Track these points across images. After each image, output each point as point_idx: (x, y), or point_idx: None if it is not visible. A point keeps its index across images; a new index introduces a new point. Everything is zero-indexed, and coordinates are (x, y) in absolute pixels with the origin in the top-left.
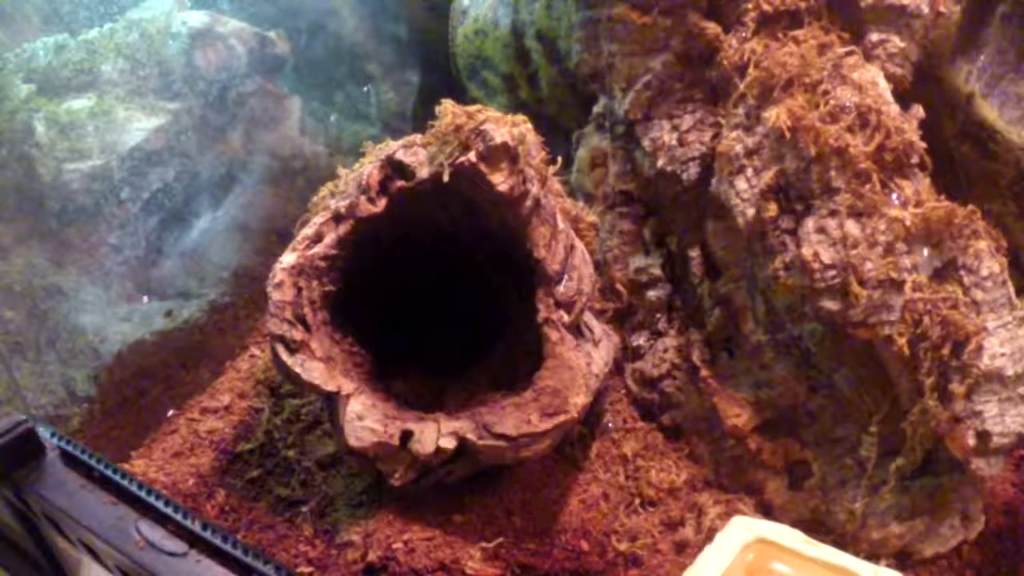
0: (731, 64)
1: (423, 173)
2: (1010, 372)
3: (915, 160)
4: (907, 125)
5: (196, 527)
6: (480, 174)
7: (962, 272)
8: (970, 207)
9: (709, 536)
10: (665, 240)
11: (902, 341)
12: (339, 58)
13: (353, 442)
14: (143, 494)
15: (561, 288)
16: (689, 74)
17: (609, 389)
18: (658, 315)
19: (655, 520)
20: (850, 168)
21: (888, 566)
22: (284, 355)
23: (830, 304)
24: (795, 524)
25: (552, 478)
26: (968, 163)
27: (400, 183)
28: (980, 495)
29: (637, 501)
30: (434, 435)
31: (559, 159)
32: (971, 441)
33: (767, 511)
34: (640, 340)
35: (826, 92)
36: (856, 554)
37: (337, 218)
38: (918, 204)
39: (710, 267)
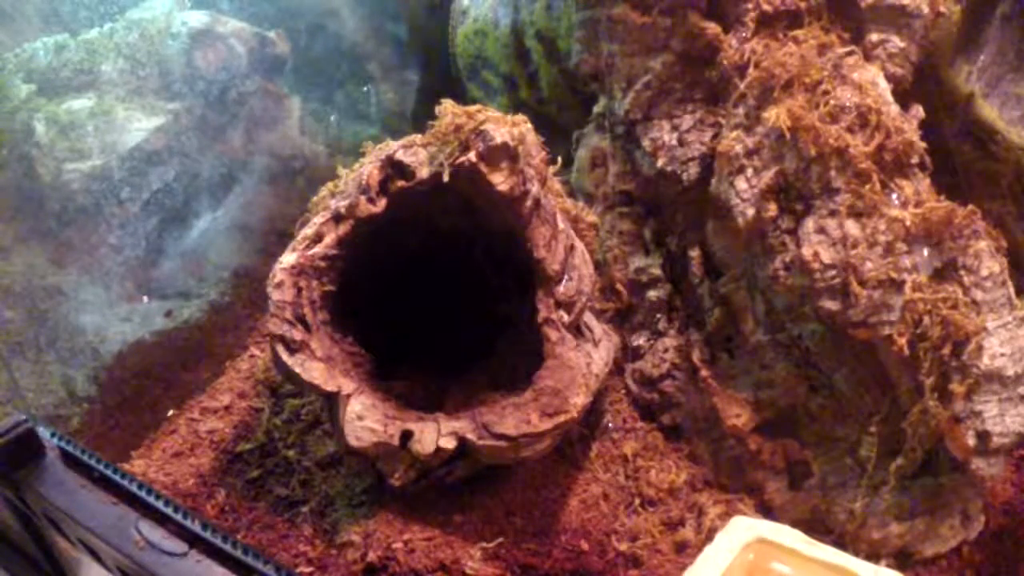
0: (731, 64)
1: (423, 173)
2: (1010, 372)
3: (915, 160)
4: (907, 125)
5: (196, 527)
6: (480, 174)
7: (962, 272)
8: (970, 207)
9: (709, 536)
10: (665, 240)
11: (902, 341)
12: (339, 58)
13: (353, 442)
14: (143, 494)
15: (561, 288)
16: (689, 74)
17: (609, 389)
18: (658, 315)
19: (655, 520)
20: (850, 168)
21: (888, 566)
22: (284, 355)
23: (830, 304)
24: (795, 524)
25: (552, 478)
26: (968, 163)
27: (400, 183)
28: (980, 495)
29: (637, 501)
30: (434, 435)
31: (559, 159)
32: (971, 441)
33: (767, 511)
34: (640, 340)
35: (826, 92)
36: (856, 554)
37: (337, 218)
38: (918, 204)
39: (710, 267)
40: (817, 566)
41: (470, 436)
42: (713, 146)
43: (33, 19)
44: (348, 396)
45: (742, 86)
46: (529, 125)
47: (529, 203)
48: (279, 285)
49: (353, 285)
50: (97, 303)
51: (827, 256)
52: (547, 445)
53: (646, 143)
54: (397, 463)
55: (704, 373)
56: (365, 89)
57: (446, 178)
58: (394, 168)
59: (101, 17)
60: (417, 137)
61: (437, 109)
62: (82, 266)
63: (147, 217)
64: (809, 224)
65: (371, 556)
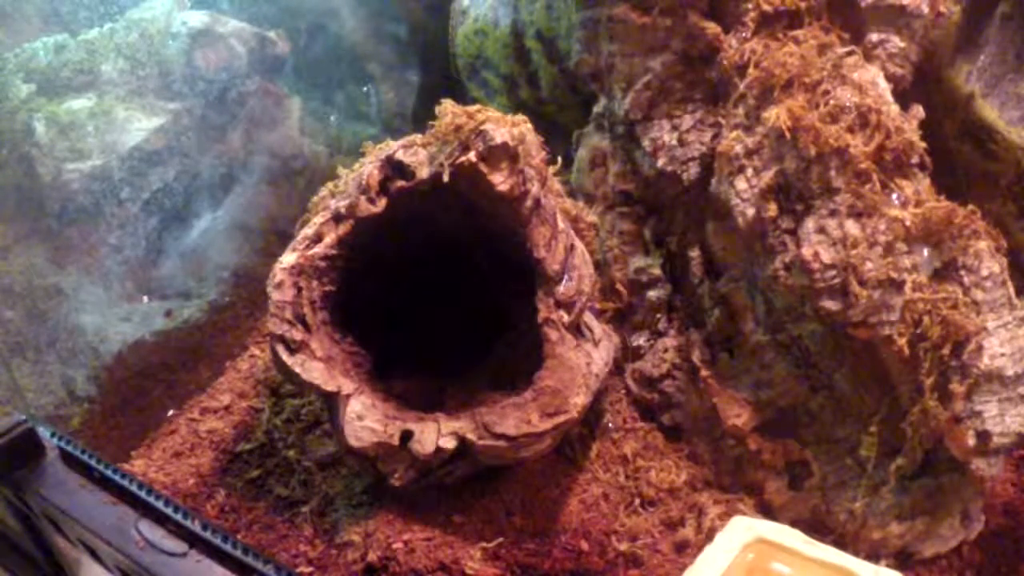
0: (731, 64)
1: (423, 173)
2: (1010, 372)
3: (915, 160)
4: (907, 125)
5: (196, 527)
6: (480, 174)
7: (962, 272)
8: (970, 207)
9: (709, 536)
10: (665, 240)
11: (902, 341)
12: (339, 58)
13: (353, 442)
14: (143, 494)
15: (561, 288)
16: (689, 74)
17: (609, 389)
18: (658, 315)
19: (655, 520)
20: (850, 168)
21: (888, 566)
22: (284, 355)
23: (830, 304)
24: (795, 524)
25: (552, 478)
26: (968, 163)
27: (400, 183)
28: (980, 495)
29: (637, 501)
30: (434, 435)
31: (559, 159)
32: (971, 441)
33: (767, 511)
34: (640, 340)
35: (826, 92)
36: (856, 554)
37: (337, 218)
38: (918, 204)
39: (710, 267)
40: (817, 566)
41: (470, 436)
42: (713, 146)
43: (33, 19)
44: (348, 396)
45: (742, 86)
46: (529, 125)
47: (529, 203)
48: (279, 285)
49: (353, 285)
50: (97, 303)
51: (827, 256)
52: (547, 445)
53: (646, 143)
54: (397, 463)
55: (704, 373)
56: (365, 89)
57: (446, 178)
58: (394, 168)
59: (101, 17)
60: (417, 137)
61: (437, 109)
62: (82, 266)
63: (147, 217)
64: (809, 224)
65: (371, 556)
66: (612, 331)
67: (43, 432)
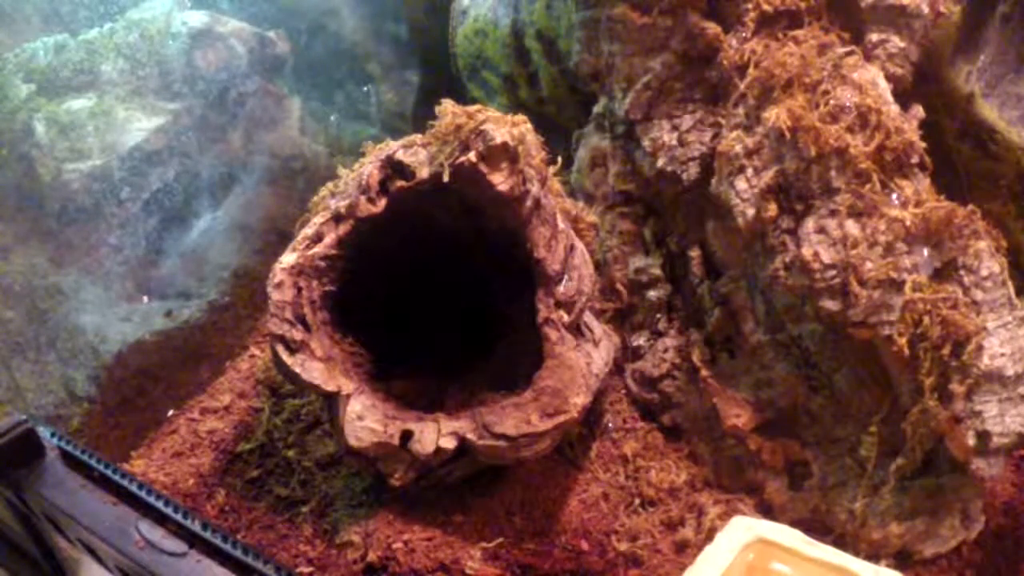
0: (731, 64)
1: (423, 173)
2: (1010, 372)
3: (915, 160)
4: (907, 125)
5: (196, 527)
6: (480, 174)
7: (962, 272)
8: (970, 207)
9: (709, 536)
10: (665, 240)
11: (902, 341)
12: (339, 58)
13: (353, 442)
14: (143, 494)
15: (561, 288)
16: (689, 74)
17: (609, 389)
18: (658, 315)
19: (655, 520)
20: (850, 168)
21: (888, 566)
22: (284, 355)
23: (830, 304)
24: (795, 524)
25: (552, 478)
26: (968, 163)
27: (400, 183)
28: (980, 495)
29: (637, 501)
30: (434, 435)
31: (559, 159)
32: (971, 441)
33: (767, 511)
34: (640, 340)
35: (826, 92)
36: (856, 554)
37: (337, 218)
38: (918, 204)
39: (710, 267)
40: (817, 566)
41: (470, 436)
42: (713, 146)
43: (33, 19)
44: (348, 396)
45: (742, 86)
46: (529, 125)
47: (529, 203)
48: (279, 285)
49: (353, 285)
50: (97, 303)
51: (827, 256)
52: (547, 445)
53: (646, 143)
54: (397, 463)
55: (704, 373)
56: (365, 89)
57: (446, 178)
58: (394, 168)
59: (101, 17)
60: (417, 137)
61: (437, 109)
62: (82, 266)
63: (147, 217)
64: (809, 224)
65: (371, 556)
66: (612, 331)
67: (43, 432)
